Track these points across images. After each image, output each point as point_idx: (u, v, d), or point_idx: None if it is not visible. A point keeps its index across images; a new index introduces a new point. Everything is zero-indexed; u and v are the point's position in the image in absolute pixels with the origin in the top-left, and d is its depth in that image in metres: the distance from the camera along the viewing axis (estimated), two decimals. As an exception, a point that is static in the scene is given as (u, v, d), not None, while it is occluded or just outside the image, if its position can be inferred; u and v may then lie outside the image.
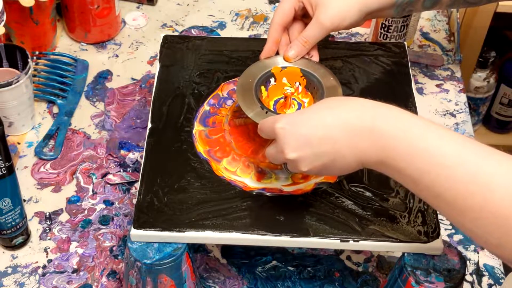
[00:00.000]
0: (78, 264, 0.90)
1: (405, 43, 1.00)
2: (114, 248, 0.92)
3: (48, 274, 0.89)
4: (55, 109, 1.08)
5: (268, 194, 0.81)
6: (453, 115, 1.10)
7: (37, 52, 1.13)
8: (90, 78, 1.13)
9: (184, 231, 0.77)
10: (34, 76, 1.10)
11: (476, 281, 0.91)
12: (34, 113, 1.05)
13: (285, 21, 0.87)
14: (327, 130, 0.68)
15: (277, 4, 1.27)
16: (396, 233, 0.78)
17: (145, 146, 0.85)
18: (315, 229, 0.78)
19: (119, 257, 0.91)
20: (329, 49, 0.97)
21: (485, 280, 0.92)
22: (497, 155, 0.61)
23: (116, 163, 1.01)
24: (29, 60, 1.00)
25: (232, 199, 0.80)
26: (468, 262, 0.92)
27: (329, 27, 0.84)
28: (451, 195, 0.62)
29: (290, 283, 0.89)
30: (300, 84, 0.87)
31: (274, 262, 0.91)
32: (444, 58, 1.18)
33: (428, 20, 1.25)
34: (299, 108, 0.86)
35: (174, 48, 0.97)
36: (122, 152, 1.02)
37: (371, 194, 0.82)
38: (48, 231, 0.94)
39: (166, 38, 0.99)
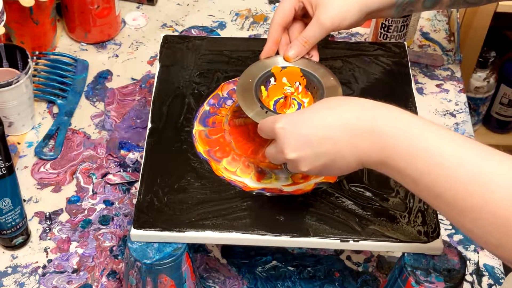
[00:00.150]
0: (78, 264, 0.90)
1: (405, 43, 1.00)
2: (114, 248, 0.92)
3: (48, 274, 0.89)
4: (55, 109, 1.08)
5: (268, 194, 0.81)
6: (453, 115, 1.10)
7: (37, 52, 1.13)
8: (90, 78, 1.13)
9: (184, 231, 0.77)
10: (34, 76, 1.10)
11: (476, 281, 0.91)
12: (34, 113, 1.05)
13: (285, 21, 0.87)
14: (327, 130, 0.68)
15: (277, 4, 1.27)
16: (396, 233, 0.78)
17: (145, 146, 0.85)
18: (315, 229, 0.78)
19: (119, 257, 0.91)
20: (329, 49, 0.97)
21: (485, 280, 0.92)
22: (497, 155, 0.61)
23: (116, 163, 1.01)
24: (29, 60, 1.00)
25: (232, 199, 0.80)
26: (468, 262, 0.92)
27: (329, 27, 0.84)
28: (451, 195, 0.62)
29: (290, 283, 0.89)
30: (300, 84, 0.87)
31: (274, 262, 0.91)
32: (444, 58, 1.18)
33: (428, 20, 1.25)
34: (299, 108, 0.86)
35: (174, 48, 0.97)
36: (122, 152, 1.02)
37: (371, 194, 0.82)
38: (48, 231, 0.94)
39: (166, 38, 0.99)
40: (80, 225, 0.94)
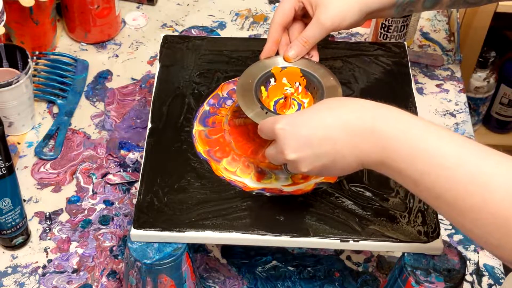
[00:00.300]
0: (78, 264, 0.90)
1: (405, 43, 1.00)
2: (114, 248, 0.92)
3: (48, 274, 0.89)
4: (55, 109, 1.08)
5: (268, 194, 0.81)
6: (453, 115, 1.10)
7: (37, 52, 1.13)
8: (90, 78, 1.13)
9: (184, 231, 0.77)
10: (34, 76, 1.10)
11: (476, 281, 0.91)
12: (34, 113, 1.05)
13: (285, 21, 0.87)
14: (327, 131, 0.68)
15: (277, 4, 1.27)
16: (396, 233, 0.78)
17: (145, 146, 0.85)
18: (315, 229, 0.78)
19: (119, 257, 0.91)
20: (329, 49, 0.97)
21: (485, 280, 0.92)
22: (497, 156, 0.61)
23: (116, 163, 1.01)
24: (29, 60, 1.00)
25: (232, 199, 0.80)
26: (468, 262, 0.92)
27: (329, 27, 0.84)
28: (451, 196, 0.62)
29: (290, 283, 0.89)
30: (300, 84, 0.87)
31: (274, 262, 0.91)
32: (444, 58, 1.18)
33: (428, 20, 1.25)
34: (299, 108, 0.86)
35: (174, 48, 0.97)
36: (122, 152, 1.02)
37: (371, 194, 0.82)
38: (48, 231, 0.94)
39: (166, 38, 0.99)
40: (80, 225, 0.94)
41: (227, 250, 0.92)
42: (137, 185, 0.85)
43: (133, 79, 1.13)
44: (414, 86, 0.93)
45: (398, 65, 0.96)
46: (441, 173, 0.62)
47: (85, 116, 1.08)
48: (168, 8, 1.26)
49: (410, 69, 0.95)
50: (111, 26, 1.18)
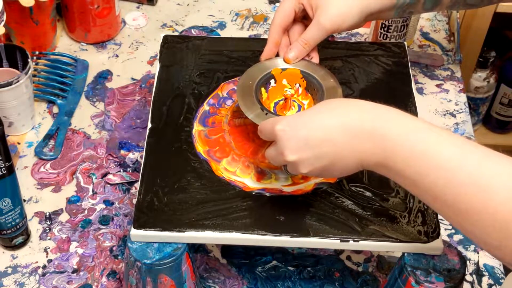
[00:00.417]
0: (78, 264, 0.90)
1: (405, 43, 1.00)
2: (114, 248, 0.92)
3: (48, 274, 0.89)
4: (55, 109, 1.08)
5: (268, 194, 0.81)
6: (453, 115, 1.10)
7: (37, 52, 1.13)
8: (90, 78, 1.13)
9: (184, 231, 0.77)
10: (34, 76, 1.10)
11: (476, 281, 0.91)
12: (34, 113, 1.05)
13: (285, 22, 0.87)
14: (327, 132, 0.68)
15: (277, 4, 1.27)
16: (396, 233, 0.78)
17: (145, 146, 0.85)
18: (315, 229, 0.78)
19: (119, 257, 0.91)
20: (329, 49, 0.97)
21: (485, 280, 0.92)
22: (497, 157, 0.61)
23: (116, 163, 1.01)
24: (29, 60, 1.00)
25: (232, 199, 0.80)
26: (468, 262, 0.92)
27: (329, 29, 0.84)
28: (451, 197, 0.62)
29: (290, 283, 0.89)
30: (300, 85, 0.87)
31: (274, 262, 0.91)
32: (444, 58, 1.18)
33: (428, 20, 1.25)
34: (299, 109, 0.86)
35: (174, 48, 0.97)
36: (122, 152, 1.02)
37: (371, 194, 0.82)
38: (48, 231, 0.94)
39: (166, 38, 0.99)
40: (80, 225, 0.94)
41: (227, 250, 0.92)
42: (137, 185, 0.85)
43: (133, 79, 1.13)
44: (414, 86, 0.93)
45: (398, 65, 0.96)
46: (440, 175, 0.62)
47: (85, 116, 1.08)
48: (168, 8, 1.26)
49: (410, 69, 0.95)
50: (111, 26, 1.18)
